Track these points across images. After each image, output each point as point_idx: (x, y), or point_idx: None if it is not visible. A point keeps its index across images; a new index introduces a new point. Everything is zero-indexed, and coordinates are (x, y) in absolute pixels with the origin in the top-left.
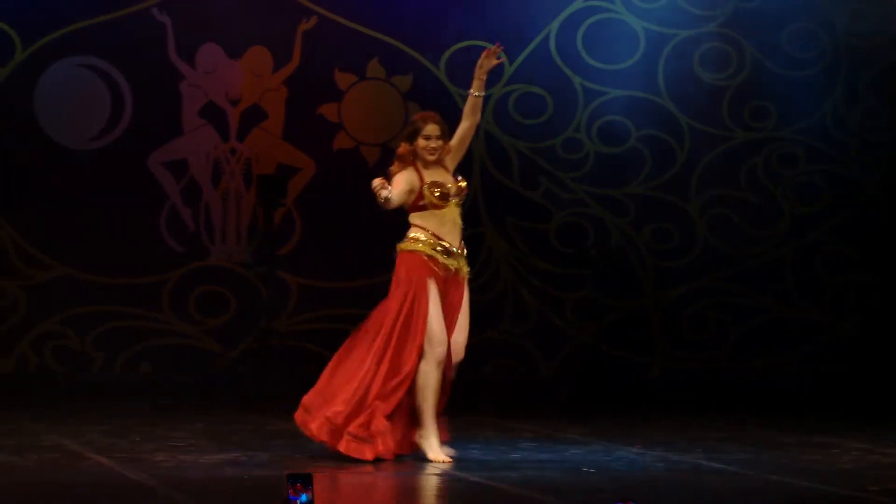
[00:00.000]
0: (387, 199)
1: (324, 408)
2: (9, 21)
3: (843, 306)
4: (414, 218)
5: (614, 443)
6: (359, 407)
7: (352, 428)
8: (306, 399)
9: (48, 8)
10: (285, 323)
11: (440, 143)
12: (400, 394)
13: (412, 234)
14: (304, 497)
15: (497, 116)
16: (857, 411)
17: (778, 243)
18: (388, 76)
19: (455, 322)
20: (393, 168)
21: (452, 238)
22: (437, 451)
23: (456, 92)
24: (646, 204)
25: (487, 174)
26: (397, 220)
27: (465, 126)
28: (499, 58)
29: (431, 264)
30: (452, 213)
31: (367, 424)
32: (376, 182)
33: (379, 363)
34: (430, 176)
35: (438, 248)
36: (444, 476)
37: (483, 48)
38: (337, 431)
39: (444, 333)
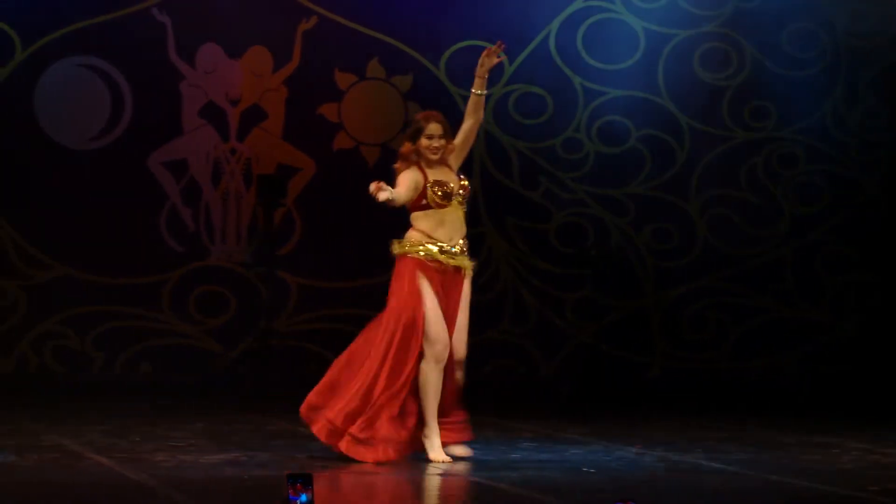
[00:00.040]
0: (389, 200)
1: (326, 409)
2: (9, 21)
3: (843, 306)
4: (414, 218)
5: (614, 443)
6: (361, 407)
7: (353, 429)
8: (311, 397)
9: (48, 8)
10: (285, 323)
11: (443, 142)
12: (403, 395)
13: (407, 235)
14: (304, 497)
15: (497, 116)
16: (857, 411)
17: (778, 243)
18: (388, 76)
19: (456, 320)
20: (398, 166)
21: (452, 237)
22: (437, 451)
23: (456, 92)
24: (646, 204)
25: (487, 174)
26: (397, 220)
27: (468, 125)
28: (499, 56)
29: (426, 263)
30: (455, 212)
31: (369, 426)
32: (372, 187)
33: (381, 364)
34: (434, 175)
35: (434, 248)
36: (444, 476)
37: (483, 48)
38: (337, 433)
39: (443, 332)
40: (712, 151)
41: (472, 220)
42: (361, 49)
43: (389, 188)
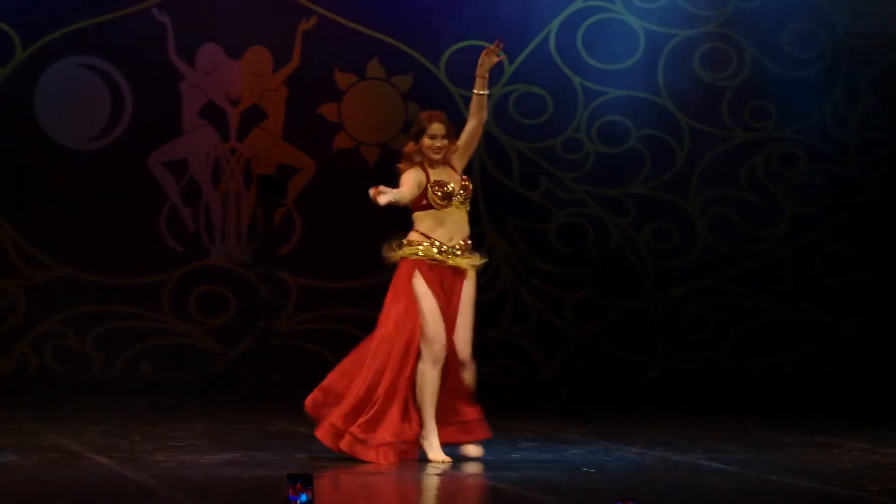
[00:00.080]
0: (392, 202)
1: (328, 410)
2: (9, 21)
3: (843, 306)
4: (415, 218)
5: (614, 443)
6: (362, 408)
7: (354, 428)
8: (316, 396)
9: (48, 8)
10: (285, 323)
11: (445, 142)
12: (405, 396)
13: (407, 237)
14: (304, 497)
15: (497, 116)
16: (857, 411)
17: (778, 243)
18: (388, 76)
19: (456, 320)
20: (401, 166)
21: (452, 237)
22: (436, 451)
23: (456, 92)
24: (646, 204)
25: (487, 174)
26: (397, 220)
27: (471, 125)
28: (499, 55)
29: (425, 263)
30: (456, 213)
31: (371, 427)
32: (371, 192)
33: (382, 365)
34: (436, 175)
35: (432, 248)
36: (444, 476)
37: (483, 48)
38: (339, 435)
39: (440, 332)
40: (712, 151)
41: (472, 220)
42: (361, 49)
43: (390, 190)
